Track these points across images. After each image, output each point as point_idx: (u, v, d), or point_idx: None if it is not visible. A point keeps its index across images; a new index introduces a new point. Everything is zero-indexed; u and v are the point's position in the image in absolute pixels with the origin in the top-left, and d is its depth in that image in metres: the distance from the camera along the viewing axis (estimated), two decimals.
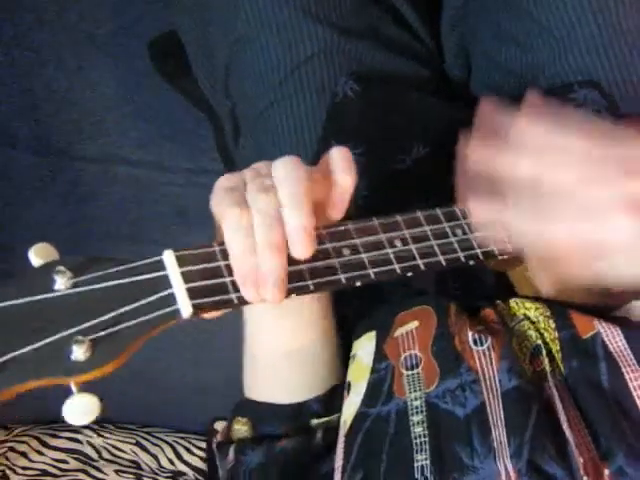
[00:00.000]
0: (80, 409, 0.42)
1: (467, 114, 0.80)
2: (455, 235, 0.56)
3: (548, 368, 0.58)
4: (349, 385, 0.63)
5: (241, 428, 0.66)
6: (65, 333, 0.43)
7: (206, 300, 0.47)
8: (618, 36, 0.74)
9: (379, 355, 0.62)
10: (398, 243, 0.54)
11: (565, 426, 0.53)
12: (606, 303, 0.62)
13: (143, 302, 0.45)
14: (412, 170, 0.76)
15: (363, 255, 0.53)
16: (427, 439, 0.55)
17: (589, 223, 0.51)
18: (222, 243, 0.50)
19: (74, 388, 0.43)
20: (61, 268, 0.45)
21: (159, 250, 1.45)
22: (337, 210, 0.53)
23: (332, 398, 0.66)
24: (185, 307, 0.46)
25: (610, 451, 0.51)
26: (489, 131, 0.55)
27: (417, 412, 0.56)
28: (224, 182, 0.53)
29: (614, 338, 0.57)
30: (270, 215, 0.49)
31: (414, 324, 0.62)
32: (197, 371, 1.30)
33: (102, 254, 1.40)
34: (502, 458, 0.52)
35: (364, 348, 0.64)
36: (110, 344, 0.43)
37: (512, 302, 0.64)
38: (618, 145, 0.53)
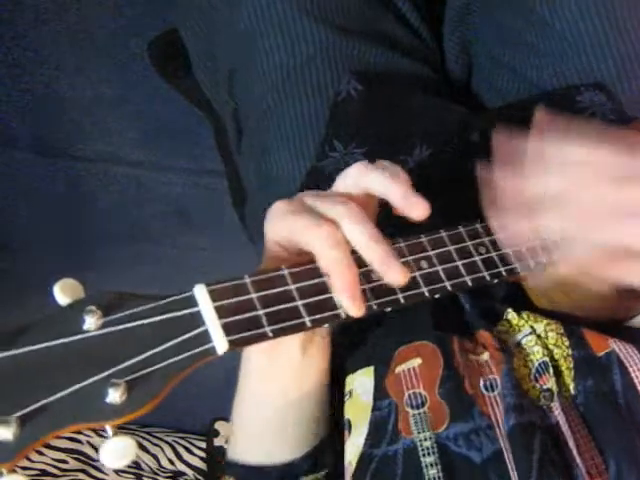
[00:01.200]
0: (118, 453, 0.42)
1: (468, 115, 0.80)
2: (479, 254, 0.56)
3: (555, 388, 0.57)
4: (349, 423, 0.62)
5: None
6: (100, 376, 0.42)
7: (242, 335, 0.46)
8: (622, 35, 0.74)
9: (380, 392, 0.61)
10: (424, 264, 0.53)
11: (575, 452, 0.53)
12: (619, 316, 0.62)
13: (177, 341, 0.44)
14: (414, 171, 0.76)
15: None
16: None
17: (626, 225, 0.51)
18: (254, 274, 0.49)
19: (110, 431, 0.42)
20: (91, 307, 0.44)
21: (159, 250, 1.45)
22: (418, 207, 0.53)
23: (320, 453, 0.64)
24: (220, 344, 0.45)
25: (621, 474, 0.51)
26: (508, 158, 0.55)
27: (428, 453, 0.55)
28: (285, 206, 0.52)
29: (629, 354, 0.56)
30: (356, 215, 0.50)
31: (417, 361, 0.61)
32: (197, 371, 1.30)
33: (102, 254, 1.40)
34: None
35: (362, 384, 0.63)
36: (146, 386, 0.43)
37: (524, 314, 0.63)
38: (633, 150, 0.53)
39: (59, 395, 0.40)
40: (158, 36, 1.02)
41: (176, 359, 0.44)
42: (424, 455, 0.55)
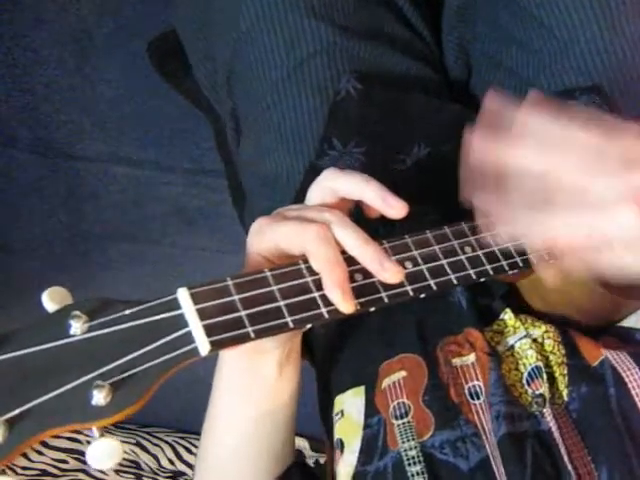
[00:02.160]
0: (104, 454, 0.43)
1: (467, 114, 0.80)
2: (464, 252, 0.56)
3: (547, 394, 0.57)
4: (341, 443, 0.62)
5: None
6: (85, 379, 0.43)
7: (223, 336, 0.46)
8: (619, 37, 0.74)
9: (370, 410, 0.62)
10: (409, 265, 0.53)
11: (566, 459, 0.53)
12: (612, 317, 0.62)
13: (160, 343, 0.45)
14: (412, 170, 0.76)
15: (375, 279, 0.52)
16: None
17: (592, 216, 0.51)
18: (235, 277, 0.49)
19: (96, 432, 0.43)
20: (76, 313, 0.45)
21: (159, 250, 1.45)
22: (395, 207, 0.54)
23: (289, 478, 0.65)
24: (203, 345, 0.46)
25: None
26: (493, 124, 0.55)
27: (414, 462, 0.56)
28: (268, 220, 0.53)
29: (622, 360, 0.56)
30: (342, 218, 0.51)
31: (401, 374, 0.62)
32: (197, 371, 1.30)
33: (102, 254, 1.40)
34: None
35: (353, 404, 0.63)
36: (130, 387, 0.43)
37: (522, 316, 0.63)
38: (620, 137, 0.53)
39: (45, 398, 0.41)
40: (158, 36, 1.01)
41: (160, 360, 0.45)
42: (409, 465, 0.56)
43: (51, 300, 0.46)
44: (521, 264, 0.57)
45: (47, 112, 1.20)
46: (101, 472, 1.21)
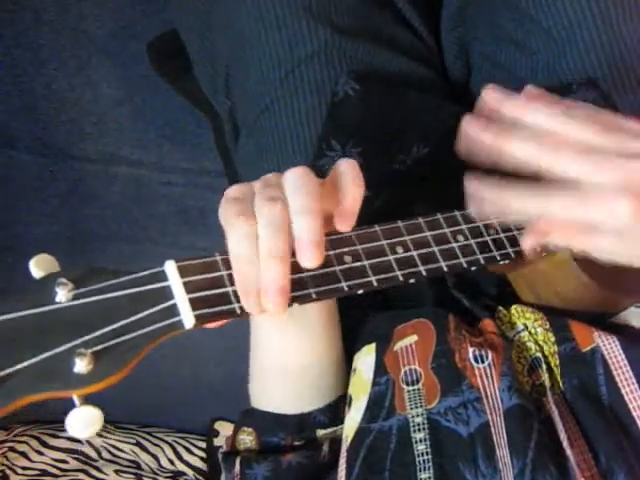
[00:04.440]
0: (83, 422, 0.42)
1: (464, 112, 0.80)
2: (457, 241, 0.56)
3: (547, 383, 0.57)
4: (350, 399, 0.63)
5: (246, 438, 0.65)
6: (67, 346, 0.42)
7: (208, 311, 0.47)
8: (617, 39, 0.74)
9: (379, 368, 0.62)
10: (400, 249, 0.53)
11: (565, 444, 0.53)
12: (606, 309, 0.62)
13: (145, 313, 0.45)
14: (411, 170, 0.76)
15: (365, 262, 0.52)
16: (430, 457, 0.54)
17: (587, 204, 0.51)
18: (225, 252, 0.49)
19: (77, 401, 0.42)
20: (62, 280, 0.44)
21: (159, 250, 1.45)
22: (346, 222, 0.52)
23: (338, 408, 0.65)
24: (188, 318, 0.46)
25: (611, 470, 0.51)
26: (490, 114, 0.55)
27: (419, 429, 0.56)
28: (232, 192, 0.52)
29: (613, 352, 0.57)
30: (274, 224, 0.48)
31: (413, 338, 0.62)
32: (197, 371, 1.30)
33: (102, 254, 1.40)
34: (507, 479, 0.52)
35: (364, 361, 0.64)
36: (112, 356, 0.43)
37: (513, 309, 0.63)
38: (618, 129, 0.53)
39: (26, 364, 0.41)
40: (158, 36, 1.02)
41: (143, 331, 0.44)
42: (414, 431, 0.56)
43: (38, 267, 0.45)
44: (513, 255, 0.57)
45: (47, 112, 1.20)
46: (101, 472, 1.21)
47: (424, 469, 0.54)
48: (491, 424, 0.55)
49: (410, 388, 0.59)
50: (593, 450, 0.53)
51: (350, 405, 0.62)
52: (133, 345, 0.44)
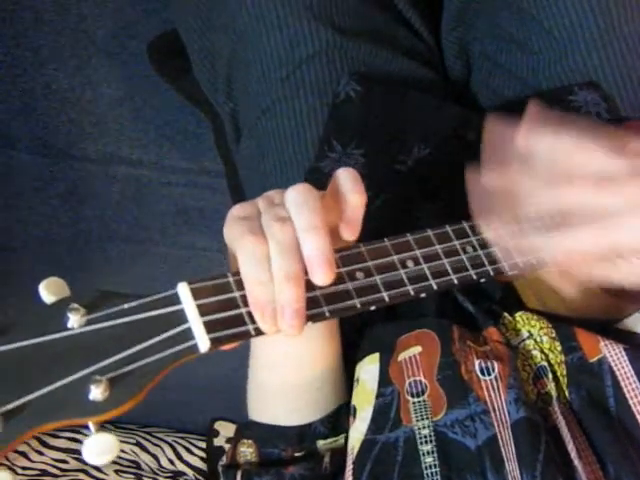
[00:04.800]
0: (99, 449, 0.42)
1: (467, 115, 0.80)
2: (466, 252, 0.56)
3: (554, 393, 0.57)
4: (354, 409, 0.63)
5: (246, 450, 0.65)
6: (82, 373, 0.42)
7: (223, 333, 0.46)
8: (618, 39, 0.74)
9: (384, 379, 0.62)
10: (410, 263, 0.53)
11: (574, 455, 0.53)
12: (610, 316, 0.62)
13: (159, 338, 0.45)
14: (412, 171, 0.76)
15: (376, 277, 0.51)
16: (438, 469, 0.54)
17: (606, 229, 0.51)
18: (237, 273, 0.48)
19: (92, 427, 0.42)
20: (74, 305, 0.44)
21: (159, 250, 1.44)
22: (351, 231, 0.51)
23: (338, 418, 0.65)
24: (203, 341, 0.45)
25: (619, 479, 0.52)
26: (497, 150, 0.55)
27: (426, 441, 0.56)
28: (237, 211, 0.51)
29: (620, 364, 0.56)
30: (287, 244, 0.48)
31: (417, 349, 0.62)
32: (197, 371, 1.30)
33: (102, 254, 1.40)
34: None
35: (368, 371, 0.64)
36: (128, 383, 0.43)
37: (518, 317, 0.63)
38: (626, 148, 0.53)
39: (42, 392, 0.41)
40: (158, 36, 1.02)
41: (158, 356, 0.44)
42: (421, 443, 0.56)
43: (48, 291, 0.45)
44: (521, 265, 0.57)
45: (47, 112, 1.20)
46: (101, 472, 1.21)
47: None
48: (499, 437, 0.54)
49: (415, 400, 0.58)
50: (601, 461, 0.52)
51: (355, 415, 0.62)
52: (148, 371, 0.44)
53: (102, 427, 0.42)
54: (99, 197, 1.25)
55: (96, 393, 0.42)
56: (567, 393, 0.57)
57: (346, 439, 0.63)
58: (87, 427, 0.42)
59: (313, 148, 0.76)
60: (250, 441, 0.64)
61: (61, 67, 1.18)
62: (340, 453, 0.62)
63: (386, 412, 0.59)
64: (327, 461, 0.63)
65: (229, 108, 0.83)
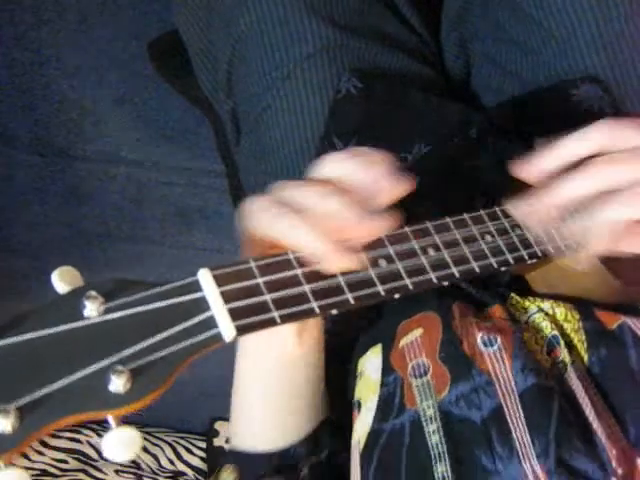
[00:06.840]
0: (122, 444, 0.39)
1: (468, 113, 0.81)
2: (485, 241, 0.55)
3: (568, 359, 0.57)
4: (359, 403, 0.62)
5: (227, 478, 0.63)
6: (103, 364, 0.40)
7: (249, 320, 0.44)
8: (619, 38, 0.75)
9: (387, 368, 0.61)
10: (431, 251, 0.52)
11: (592, 417, 0.52)
12: (630, 299, 0.62)
13: (181, 327, 0.42)
14: (413, 168, 0.76)
15: (399, 264, 0.50)
16: (445, 447, 0.54)
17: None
18: (258, 258, 0.47)
19: (112, 422, 0.39)
20: (92, 293, 0.41)
21: (159, 250, 1.44)
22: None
23: (319, 436, 0.64)
24: (227, 329, 0.43)
25: None
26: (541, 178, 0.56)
27: (431, 421, 0.55)
28: (262, 204, 0.50)
29: None
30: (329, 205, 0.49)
31: (418, 332, 0.61)
32: (197, 371, 1.30)
33: (102, 254, 1.40)
34: (528, 459, 0.51)
35: (371, 363, 0.63)
36: (150, 374, 0.40)
37: (527, 298, 0.63)
38: None
39: (60, 384, 0.38)
40: (158, 36, 1.02)
41: (181, 346, 0.42)
42: (427, 423, 0.55)
43: (62, 280, 0.42)
44: (539, 254, 0.57)
45: (47, 112, 1.20)
46: (101, 472, 1.21)
47: (440, 460, 0.53)
48: (504, 406, 0.54)
49: (419, 381, 0.58)
50: (621, 422, 0.52)
51: (360, 409, 0.61)
52: (171, 361, 0.41)
53: (122, 422, 0.41)
54: (99, 197, 1.25)
55: (117, 384, 0.39)
56: (586, 358, 0.57)
57: (328, 454, 0.63)
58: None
59: (314, 145, 0.76)
60: (231, 468, 0.64)
61: (61, 67, 1.19)
62: (318, 465, 0.62)
63: (391, 401, 0.59)
64: (306, 472, 0.63)
65: (229, 107, 0.83)
